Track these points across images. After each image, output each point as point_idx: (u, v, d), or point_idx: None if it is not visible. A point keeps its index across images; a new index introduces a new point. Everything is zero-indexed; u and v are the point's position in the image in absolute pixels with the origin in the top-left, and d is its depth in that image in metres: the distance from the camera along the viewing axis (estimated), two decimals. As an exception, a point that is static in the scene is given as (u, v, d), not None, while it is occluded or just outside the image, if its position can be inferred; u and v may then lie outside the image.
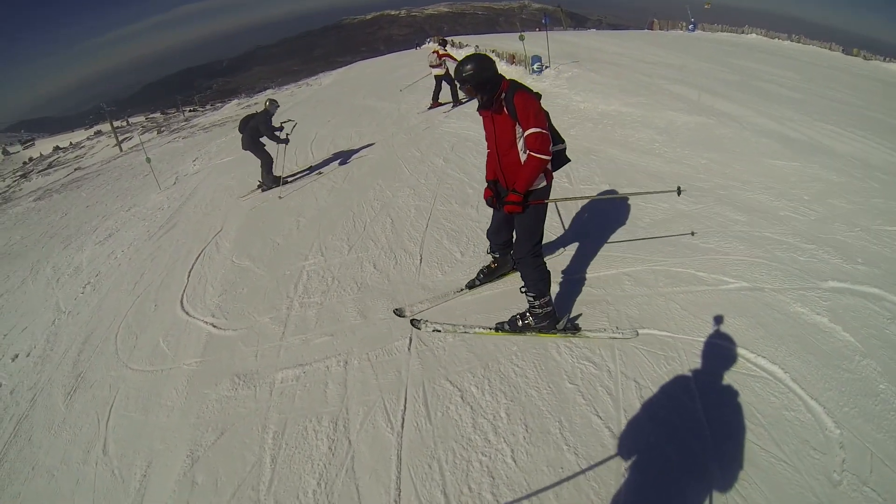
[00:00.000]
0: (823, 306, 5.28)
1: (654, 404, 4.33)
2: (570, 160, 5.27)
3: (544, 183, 4.95)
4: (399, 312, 6.14)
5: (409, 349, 5.42)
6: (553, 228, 7.19)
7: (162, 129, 53.25)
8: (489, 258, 6.26)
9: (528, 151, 4.68)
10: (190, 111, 74.76)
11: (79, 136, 78.55)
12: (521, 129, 4.67)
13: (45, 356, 7.64)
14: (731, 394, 4.35)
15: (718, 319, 5.16)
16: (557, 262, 6.52)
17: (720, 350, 4.81)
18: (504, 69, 20.70)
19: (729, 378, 4.51)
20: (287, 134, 12.76)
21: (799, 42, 32.38)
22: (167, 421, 5.44)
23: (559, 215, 7.46)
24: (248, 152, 12.52)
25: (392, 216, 8.85)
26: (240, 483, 4.45)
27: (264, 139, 12.67)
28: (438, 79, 16.92)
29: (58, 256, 12.38)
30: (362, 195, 10.06)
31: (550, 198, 5.05)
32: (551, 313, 5.18)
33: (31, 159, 68.21)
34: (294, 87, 47.16)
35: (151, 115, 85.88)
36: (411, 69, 26.47)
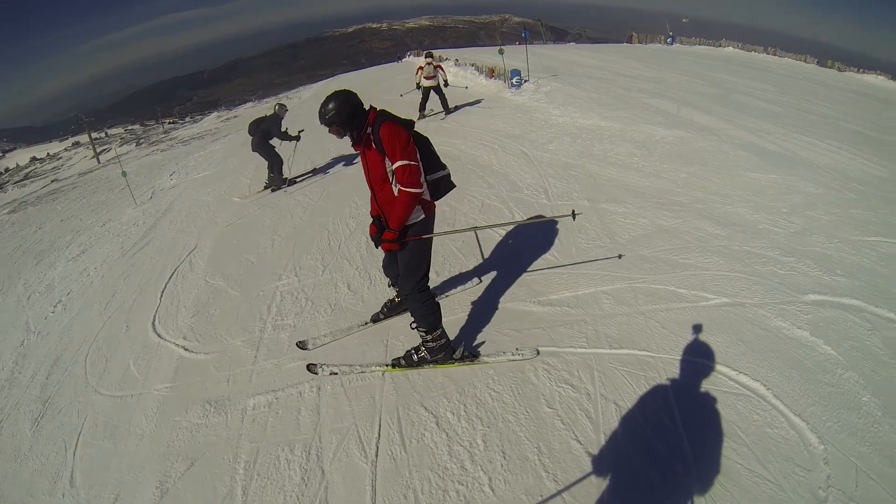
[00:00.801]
0: (804, 320, 5.26)
1: (635, 426, 4.23)
2: (454, 186, 5.08)
3: (423, 216, 4.81)
4: (302, 345, 6.01)
5: (382, 374, 5.27)
6: (518, 248, 7.17)
7: (141, 141, 52.87)
8: (393, 291, 6.08)
9: (397, 186, 4.53)
10: (169, 123, 74.41)
11: (56, 147, 77.82)
12: (390, 163, 4.52)
13: (12, 379, 7.35)
14: (712, 413, 4.27)
15: (699, 337, 5.11)
16: (536, 281, 6.47)
17: (701, 368, 4.74)
18: (483, 83, 20.81)
19: (710, 397, 4.44)
20: (300, 131, 13.54)
21: (775, 55, 32.98)
22: (136, 449, 5.22)
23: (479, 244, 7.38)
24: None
25: (367, 235, 8.62)
26: (210, 516, 4.27)
27: (274, 141, 13.12)
28: (428, 90, 16.91)
29: (29, 273, 12.04)
30: (338, 212, 9.91)
31: (433, 230, 4.98)
32: (445, 345, 5.10)
33: (6, 170, 67.51)
34: (274, 100, 47.01)
35: (130, 127, 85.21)
36: (392, 83, 26.47)
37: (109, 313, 8.35)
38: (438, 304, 5.08)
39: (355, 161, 13.76)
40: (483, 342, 5.51)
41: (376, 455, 4.38)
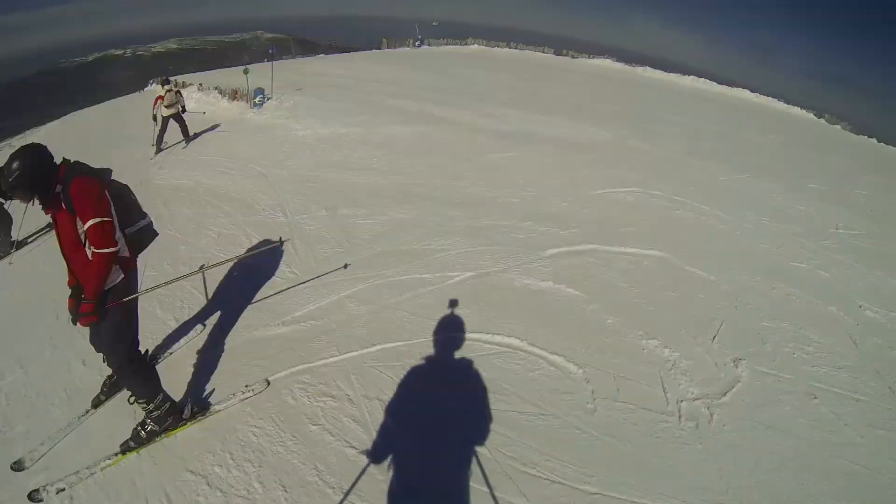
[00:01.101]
0: (547, 272, 5.78)
1: (404, 414, 4.33)
2: (157, 234, 4.61)
3: (121, 276, 4.16)
4: (18, 466, 4.63)
5: (138, 453, 4.74)
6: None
7: None
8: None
9: (90, 248, 3.89)
10: None
11: None
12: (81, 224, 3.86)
13: None
14: (475, 377, 4.52)
15: (449, 314, 5.34)
16: (278, 302, 6.17)
17: (456, 341, 4.99)
18: (226, 106, 20.13)
19: (470, 363, 4.69)
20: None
21: (516, 48, 35.47)
22: None
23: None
24: None
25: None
26: None
27: None
28: (167, 119, 15.70)
29: None
30: (62, 283, 8.81)
31: (135, 292, 4.35)
32: (171, 409, 4.49)
33: None
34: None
35: None
36: (135, 115, 24.87)
37: None
38: (153, 367, 4.56)
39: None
40: (219, 385, 5.03)
41: (157, 546, 3.94)
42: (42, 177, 3.85)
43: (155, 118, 15.39)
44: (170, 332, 5.99)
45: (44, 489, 4.27)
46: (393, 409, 4.38)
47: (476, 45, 37.65)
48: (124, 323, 4.20)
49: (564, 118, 12.47)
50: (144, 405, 4.35)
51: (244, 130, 16.07)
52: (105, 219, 3.78)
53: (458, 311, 5.33)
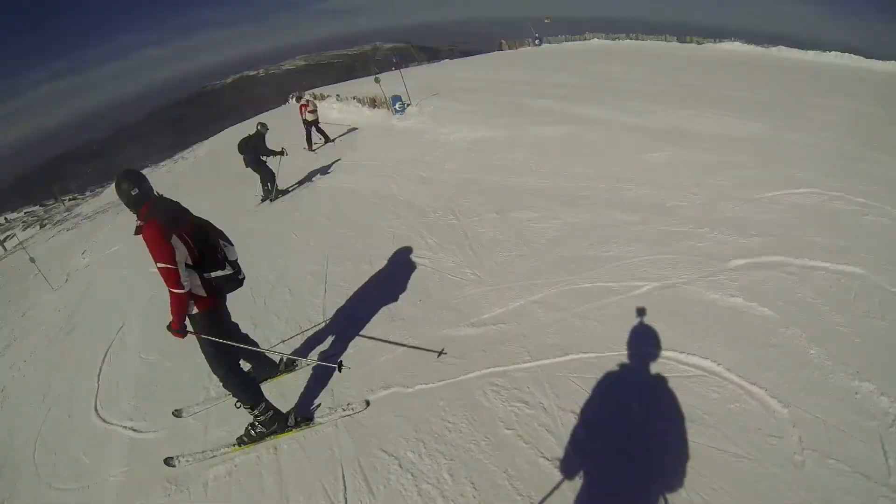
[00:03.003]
0: (735, 287, 5.42)
1: (597, 430, 4.25)
2: (240, 285, 5.06)
3: (195, 310, 4.69)
4: (177, 413, 6.11)
5: (336, 424, 5.14)
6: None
7: (44, 222, 49.33)
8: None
9: None
10: (70, 200, 70.18)
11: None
12: None
13: (-40, 492, 6.80)
14: (670, 400, 4.32)
15: (639, 326, 5.19)
16: (465, 304, 6.43)
17: (649, 358, 4.81)
18: (369, 114, 20.78)
19: (665, 384, 4.50)
20: (283, 148, 14.89)
21: (637, 39, 34.28)
22: (102, 541, 4.85)
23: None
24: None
25: (289, 286, 8.48)
26: None
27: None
28: (310, 124, 18.36)
29: (-44, 376, 11.22)
30: (255, 268, 9.56)
31: (219, 328, 4.92)
32: (275, 416, 5.13)
33: None
34: (170, 163, 45.22)
35: (30, 209, 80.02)
36: (284, 126, 26.19)
37: (49, 405, 7.79)
38: (253, 380, 5.19)
39: (257, 214, 13.64)
40: (421, 375, 5.43)
41: (346, 507, 4.26)
42: (129, 205, 4.56)
43: (305, 123, 18.23)
44: (366, 321, 6.67)
45: (176, 458, 5.35)
46: (586, 424, 4.32)
47: (596, 39, 36.64)
48: (211, 349, 4.86)
49: (710, 110, 11.92)
50: (249, 410, 5.03)
51: (393, 136, 16.62)
52: (168, 266, 4.28)
53: (648, 325, 5.17)
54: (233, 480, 4.94)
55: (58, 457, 6.40)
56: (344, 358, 6.09)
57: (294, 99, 20.30)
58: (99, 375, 7.95)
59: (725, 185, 7.59)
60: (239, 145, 14.42)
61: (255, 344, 5.58)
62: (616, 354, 4.94)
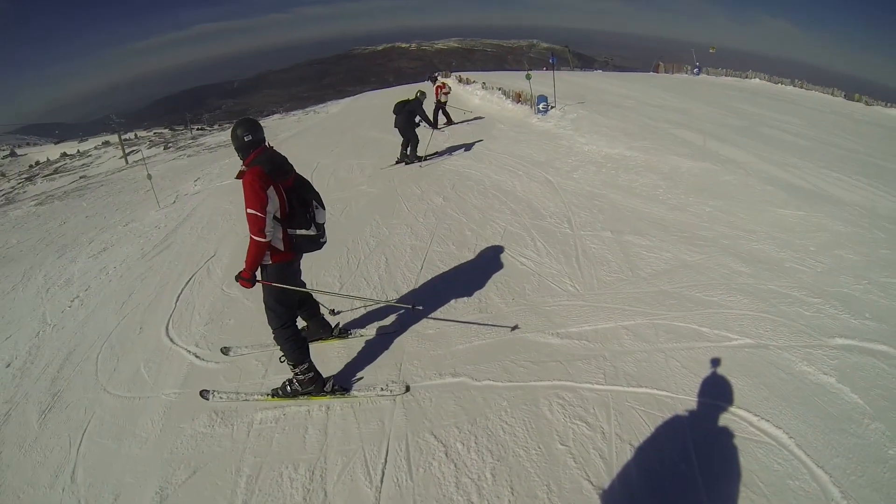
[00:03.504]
0: (830, 365, 5.04)
1: (649, 470, 4.08)
2: (320, 247, 5.24)
3: (270, 261, 4.90)
4: (225, 351, 6.49)
5: (394, 398, 5.18)
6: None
7: (169, 145, 52.99)
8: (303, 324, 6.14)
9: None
10: (198, 129, 74.43)
11: (87, 144, 77.96)
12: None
13: (24, 369, 7.33)
14: (731, 460, 4.09)
15: (720, 378, 4.94)
16: (556, 312, 6.36)
17: (721, 412, 4.56)
18: (510, 107, 20.83)
19: (730, 442, 4.26)
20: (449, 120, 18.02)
21: (801, 87, 32.23)
22: (140, 452, 5.16)
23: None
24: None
25: (387, 255, 8.67)
26: (207, 529, 4.17)
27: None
28: (440, 105, 19.68)
29: (51, 265, 12.11)
30: (359, 230, 9.89)
31: (292, 280, 5.15)
32: (314, 378, 5.24)
33: (37, 163, 67.79)
34: (301, 114, 47.24)
35: (159, 131, 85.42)
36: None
37: (125, 313, 8.34)
38: (304, 339, 5.25)
39: (374, 179, 14.06)
40: (492, 372, 5.42)
41: (381, 481, 4.28)
42: (239, 150, 4.84)
43: (437, 103, 19.46)
44: (453, 306, 6.85)
45: (211, 392, 5.69)
46: (640, 460, 4.16)
47: (757, 80, 34.64)
48: (273, 300, 5.04)
49: (859, 178, 11.06)
50: (292, 367, 5.21)
51: (529, 134, 16.62)
52: (257, 213, 4.53)
53: (729, 378, 4.91)
54: (278, 428, 5.09)
55: (119, 363, 6.88)
56: (421, 338, 6.18)
57: (430, 80, 20.95)
58: (178, 297, 8.47)
59: (853, 260, 7.04)
60: (396, 106, 15.13)
61: (316, 305, 5.91)
62: (689, 399, 4.74)
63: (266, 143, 4.88)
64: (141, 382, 6.34)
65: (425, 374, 5.54)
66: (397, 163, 15.38)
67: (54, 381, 6.85)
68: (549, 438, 4.47)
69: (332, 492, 4.27)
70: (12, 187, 45.45)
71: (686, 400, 4.72)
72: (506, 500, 3.96)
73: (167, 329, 7.44)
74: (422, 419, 4.88)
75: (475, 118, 21.13)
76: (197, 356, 6.59)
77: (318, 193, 5.18)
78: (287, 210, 4.78)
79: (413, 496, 4.11)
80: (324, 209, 5.23)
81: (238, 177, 4.74)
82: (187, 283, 8.97)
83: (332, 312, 6.46)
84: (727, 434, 4.35)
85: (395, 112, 15.16)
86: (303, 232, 4.95)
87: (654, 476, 4.02)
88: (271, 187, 4.60)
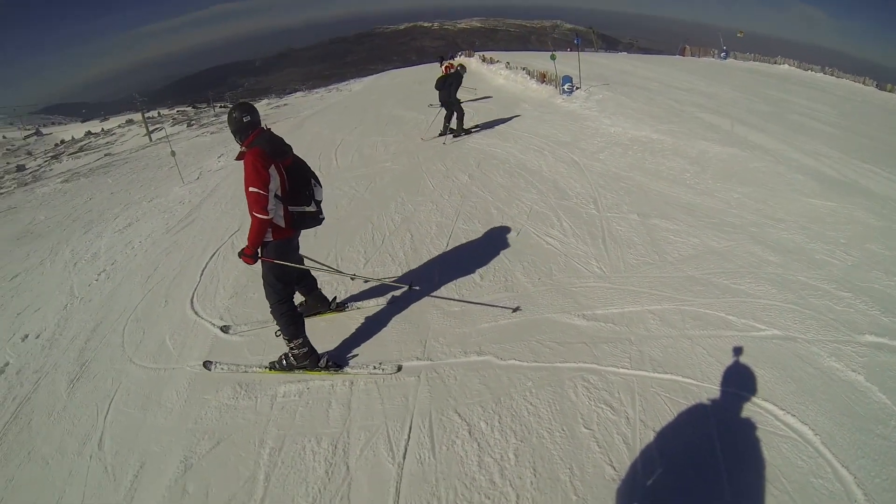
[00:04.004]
0: (859, 363, 4.92)
1: (673, 458, 4.04)
2: (319, 223, 5.42)
3: (271, 238, 5.08)
4: (225, 329, 6.66)
5: (418, 375, 5.20)
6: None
7: (192, 122, 53.16)
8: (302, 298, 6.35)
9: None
10: (221, 107, 74.59)
11: (111, 123, 78.36)
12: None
13: (53, 340, 7.48)
14: (755, 453, 4.03)
15: (747, 369, 4.87)
16: (582, 293, 6.35)
17: (747, 403, 4.50)
18: (534, 87, 20.68)
19: (754, 435, 4.20)
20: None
21: (832, 75, 31.43)
22: (165, 422, 5.25)
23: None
24: None
25: (412, 231, 8.70)
26: (230, 498, 4.24)
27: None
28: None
29: (77, 241, 12.30)
30: (383, 207, 9.92)
31: (292, 258, 5.37)
32: (308, 353, 5.39)
33: (62, 142, 68.15)
34: (324, 91, 47.27)
35: (182, 108, 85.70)
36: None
37: (150, 286, 8.46)
38: (300, 315, 5.44)
39: (399, 156, 14.03)
40: (518, 351, 5.42)
41: (404, 457, 4.31)
42: (237, 132, 5.03)
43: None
44: (479, 285, 6.91)
45: (214, 363, 5.91)
46: (663, 447, 4.13)
47: (786, 66, 34.06)
48: (272, 276, 5.22)
49: (892, 170, 10.92)
50: (287, 341, 5.38)
51: (554, 115, 16.52)
52: (259, 191, 4.72)
53: (755, 370, 4.84)
54: (301, 402, 5.15)
55: (145, 335, 7.00)
56: (446, 315, 6.22)
57: (441, 64, 21.12)
58: (203, 271, 8.58)
59: (885, 255, 6.87)
60: (437, 81, 15.55)
61: (314, 281, 6.13)
62: (714, 388, 4.68)
63: (263, 125, 5.11)
64: (166, 354, 6.44)
65: (450, 351, 5.57)
66: (440, 135, 15.54)
67: (82, 351, 6.98)
68: (573, 421, 4.46)
69: (354, 466, 4.30)
70: (39, 165, 45.78)
71: (711, 388, 4.67)
72: (528, 481, 3.96)
73: (192, 302, 7.54)
74: (446, 397, 4.90)
75: (483, 97, 21.25)
76: (221, 329, 6.67)
77: (314, 172, 5.38)
78: (287, 188, 4.97)
79: (435, 473, 4.12)
80: (321, 187, 5.39)
81: (238, 158, 4.95)
82: (211, 257, 9.06)
83: (352, 278, 6.56)
84: (751, 426, 4.30)
85: (436, 88, 15.54)
86: (303, 209, 5.14)
87: (677, 464, 3.99)
88: (272, 166, 4.79)
